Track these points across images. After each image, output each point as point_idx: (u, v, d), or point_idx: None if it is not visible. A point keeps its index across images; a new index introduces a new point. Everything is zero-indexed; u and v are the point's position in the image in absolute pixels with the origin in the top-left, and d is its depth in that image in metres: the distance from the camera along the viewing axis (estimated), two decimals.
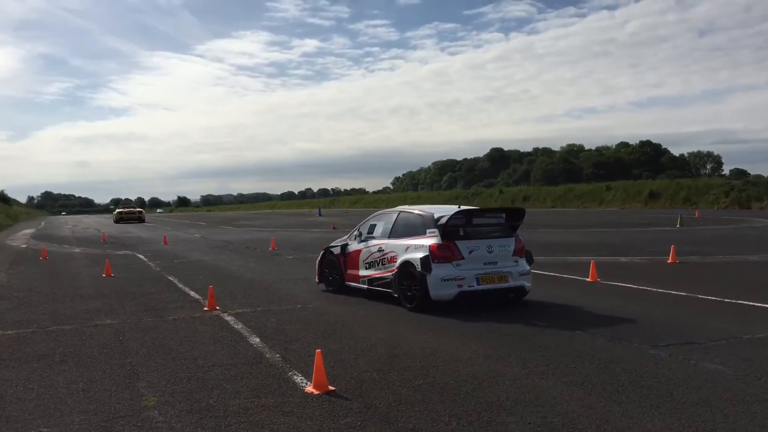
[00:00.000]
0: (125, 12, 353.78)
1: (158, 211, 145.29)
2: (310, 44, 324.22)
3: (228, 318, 9.50)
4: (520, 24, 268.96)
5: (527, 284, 10.36)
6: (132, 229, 42.42)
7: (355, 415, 5.19)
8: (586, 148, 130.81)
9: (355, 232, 12.03)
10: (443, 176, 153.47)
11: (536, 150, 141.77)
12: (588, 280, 12.63)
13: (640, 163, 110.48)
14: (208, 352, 7.44)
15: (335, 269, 12.14)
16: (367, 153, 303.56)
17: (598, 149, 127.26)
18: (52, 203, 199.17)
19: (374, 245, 11.20)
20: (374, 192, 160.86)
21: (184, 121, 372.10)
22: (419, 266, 9.81)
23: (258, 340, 7.97)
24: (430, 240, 10.02)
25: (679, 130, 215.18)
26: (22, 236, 36.60)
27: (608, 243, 21.86)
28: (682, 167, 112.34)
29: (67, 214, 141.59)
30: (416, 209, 11.12)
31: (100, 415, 5.31)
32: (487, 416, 5.08)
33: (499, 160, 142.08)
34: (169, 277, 14.69)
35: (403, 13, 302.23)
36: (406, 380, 6.09)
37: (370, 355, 7.13)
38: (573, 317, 9.04)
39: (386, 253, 10.84)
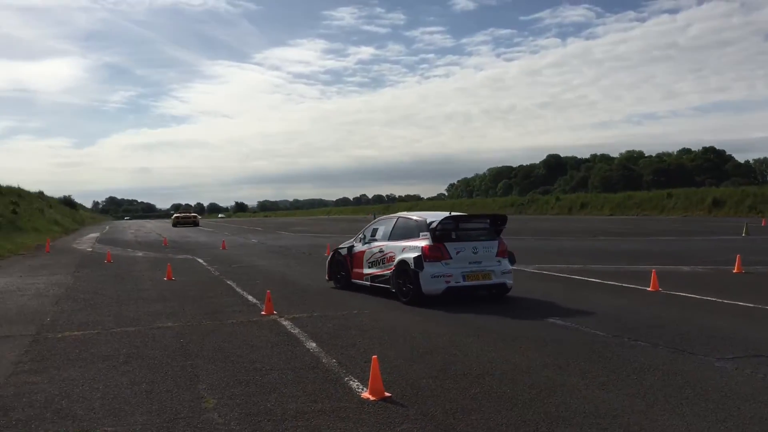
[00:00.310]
0: (187, 22, 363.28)
1: (220, 215, 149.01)
2: (366, 51, 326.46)
3: (285, 323, 9.61)
4: (577, 29, 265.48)
5: (509, 282, 11.73)
6: (191, 234, 43.37)
7: (411, 422, 5.17)
8: (646, 155, 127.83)
9: (360, 236, 13.52)
10: (498, 183, 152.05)
11: (594, 156, 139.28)
12: (649, 289, 12.31)
13: (703, 170, 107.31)
14: (265, 356, 7.54)
15: (343, 268, 13.67)
16: (422, 159, 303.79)
17: (658, 156, 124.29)
18: (116, 208, 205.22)
19: (376, 247, 12.69)
20: (429, 198, 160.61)
21: (242, 128, 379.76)
22: (413, 264, 11.20)
23: (314, 345, 8.03)
24: (422, 242, 11.44)
25: (744, 135, 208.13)
26: (87, 240, 37.83)
27: (670, 252, 21.30)
28: (747, 174, 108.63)
29: (130, 218, 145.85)
30: (413, 215, 12.60)
31: (162, 416, 5.43)
32: (546, 427, 5.00)
33: (556, 166, 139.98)
34: (228, 282, 14.95)
35: (459, 20, 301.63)
36: (463, 388, 6.05)
37: (425, 361, 7.10)
38: (633, 327, 8.81)
39: (386, 254, 12.29)
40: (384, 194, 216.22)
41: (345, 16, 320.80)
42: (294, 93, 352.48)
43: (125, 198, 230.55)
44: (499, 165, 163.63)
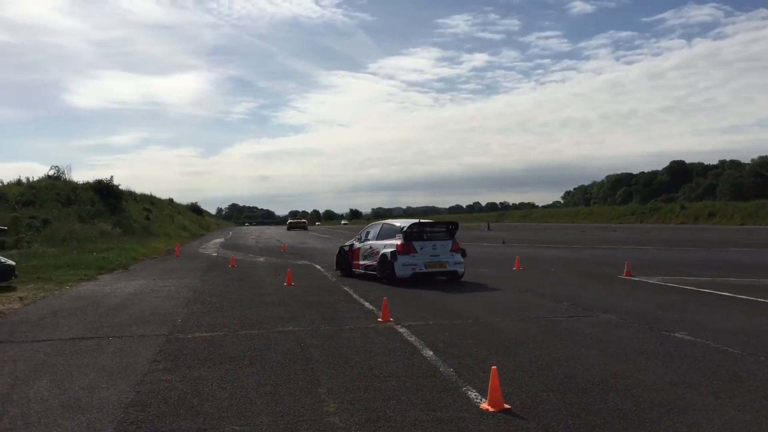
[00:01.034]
0: (306, 35, 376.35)
1: (343, 222, 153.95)
2: (480, 58, 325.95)
3: (401, 330, 9.67)
4: (704, 29, 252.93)
5: (460, 270, 16.24)
6: (309, 240, 44.62)
7: None
8: None
9: (358, 236, 18.45)
10: (617, 190, 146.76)
11: (723, 162, 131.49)
12: None
13: None
14: (383, 362, 7.62)
15: (346, 260, 18.49)
16: (537, 167, 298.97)
17: None
18: (238, 214, 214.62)
19: (368, 244, 17.48)
20: (544, 206, 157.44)
21: (357, 136, 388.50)
22: (390, 257, 15.86)
23: (431, 353, 8.03)
24: (397, 241, 16.08)
25: None
26: (212, 245, 39.73)
27: None
28: None
29: (251, 224, 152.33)
30: (394, 222, 17.84)
31: (286, 417, 5.60)
32: None
33: (680, 173, 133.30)
34: (344, 288, 15.24)
35: (576, 23, 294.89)
36: (585, 403, 5.86)
37: (545, 374, 6.94)
38: None
39: (374, 249, 16.96)
40: (497, 202, 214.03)
41: (459, 23, 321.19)
42: (408, 101, 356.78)
43: (246, 205, 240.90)
44: (619, 172, 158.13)
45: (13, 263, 16.59)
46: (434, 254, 15.87)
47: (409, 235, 15.90)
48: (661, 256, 25.07)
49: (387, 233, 16.96)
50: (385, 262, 15.98)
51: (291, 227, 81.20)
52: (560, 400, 5.96)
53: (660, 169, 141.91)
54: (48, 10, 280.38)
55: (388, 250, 16.02)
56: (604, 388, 6.37)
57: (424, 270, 15.73)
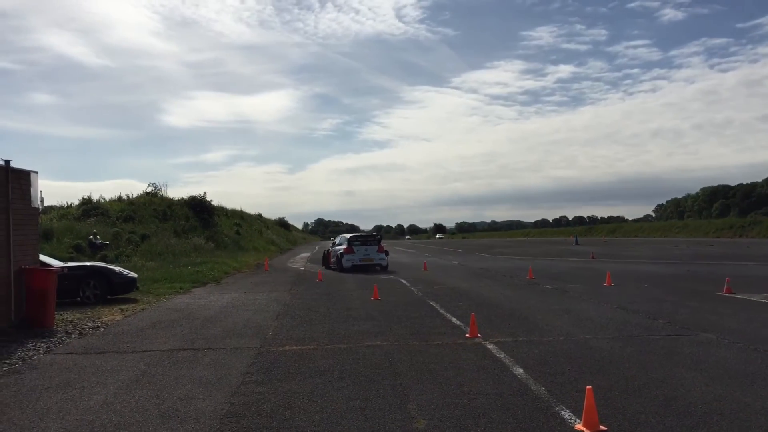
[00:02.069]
0: (389, 51, 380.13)
1: (437, 236, 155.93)
2: (565, 70, 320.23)
3: (490, 346, 9.53)
4: None
5: (383, 263, 27.23)
6: (395, 255, 44.74)
7: None
8: None
9: (330, 243, 31.57)
10: (714, 203, 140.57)
11: None
12: None
13: None
14: (472, 379, 7.52)
15: (326, 259, 30.17)
16: (626, 179, 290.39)
17: None
18: (324, 229, 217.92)
19: (334, 248, 28.64)
20: (634, 220, 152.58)
21: (441, 150, 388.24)
22: (339, 256, 27.22)
23: (521, 370, 7.88)
24: (345, 246, 27.36)
25: None
26: (300, 259, 40.46)
27: None
28: None
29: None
30: (346, 235, 28.97)
31: None
32: None
33: None
34: (431, 303, 15.18)
35: (667, 31, 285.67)
36: (688, 427, 5.59)
37: (643, 395, 6.68)
38: None
39: (336, 252, 27.88)
40: (585, 215, 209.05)
41: (543, 35, 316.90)
42: (491, 115, 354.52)
43: (332, 219, 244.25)
44: (714, 184, 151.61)
45: (135, 275, 17.57)
46: (366, 254, 26.97)
47: (350, 242, 27.30)
48: (764, 272, 23.78)
49: (341, 242, 28.49)
50: (338, 259, 27.48)
51: None
52: (660, 423, 5.71)
53: (760, 180, 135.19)
54: (145, 35, 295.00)
55: (339, 251, 27.44)
56: (707, 411, 6.07)
57: (360, 263, 26.73)
